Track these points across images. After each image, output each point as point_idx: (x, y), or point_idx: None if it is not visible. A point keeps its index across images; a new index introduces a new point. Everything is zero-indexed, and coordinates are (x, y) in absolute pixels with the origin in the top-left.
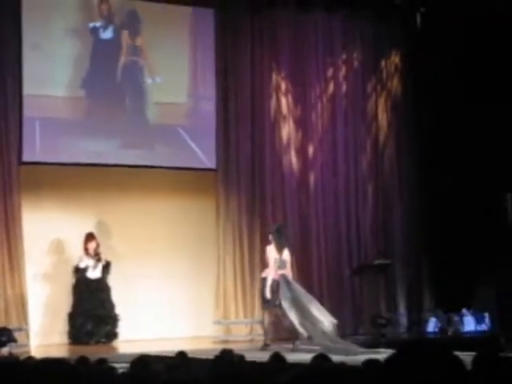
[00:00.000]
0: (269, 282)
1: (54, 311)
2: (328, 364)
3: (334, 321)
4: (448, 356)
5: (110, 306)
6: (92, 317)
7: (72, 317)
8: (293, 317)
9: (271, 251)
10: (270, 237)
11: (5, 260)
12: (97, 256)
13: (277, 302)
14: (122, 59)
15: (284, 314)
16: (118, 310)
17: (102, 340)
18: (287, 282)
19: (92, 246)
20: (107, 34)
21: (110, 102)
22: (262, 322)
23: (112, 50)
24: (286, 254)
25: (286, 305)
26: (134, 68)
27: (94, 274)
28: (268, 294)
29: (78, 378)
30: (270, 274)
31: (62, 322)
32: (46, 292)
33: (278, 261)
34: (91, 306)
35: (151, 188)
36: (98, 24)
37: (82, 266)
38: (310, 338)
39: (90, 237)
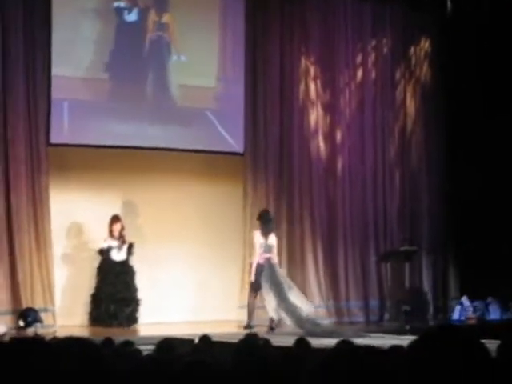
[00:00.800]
0: (254, 265)
1: (77, 292)
2: (353, 348)
3: (312, 308)
4: (473, 342)
5: (134, 289)
6: (116, 299)
7: (95, 299)
8: (269, 299)
9: (257, 236)
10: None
11: (32, 240)
12: (121, 238)
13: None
14: (148, 36)
15: (262, 296)
16: (141, 292)
17: (124, 323)
18: (271, 266)
19: (117, 227)
20: (132, 17)
21: (136, 84)
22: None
23: (136, 32)
24: (273, 239)
25: (265, 287)
26: (160, 44)
27: (118, 256)
28: (253, 277)
29: (101, 358)
30: (256, 258)
31: (85, 304)
32: (70, 273)
33: (263, 245)
34: (115, 289)
35: (178, 171)
36: (121, 4)
37: (105, 246)
38: (279, 322)
39: (115, 219)
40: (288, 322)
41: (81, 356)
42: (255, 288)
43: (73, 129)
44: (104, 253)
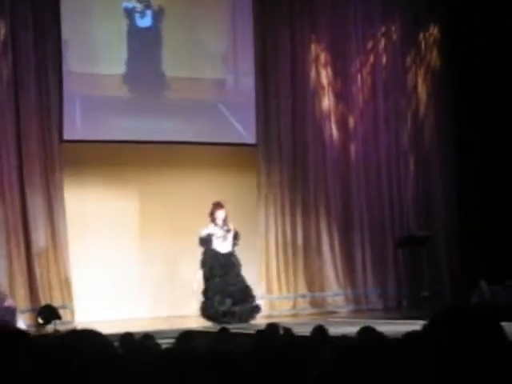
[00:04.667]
0: None
1: (94, 289)
2: (374, 335)
3: None
4: (490, 322)
5: (243, 282)
6: (229, 294)
7: (205, 294)
8: None
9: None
10: None
11: (48, 238)
12: (226, 226)
13: None
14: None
15: None
16: (157, 286)
17: (243, 319)
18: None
19: (221, 215)
20: (145, 22)
21: (148, 79)
22: None
23: (149, 34)
24: None
25: None
26: (172, 39)
27: (223, 246)
28: None
29: (114, 352)
30: None
31: (101, 299)
32: (87, 269)
33: None
34: (226, 283)
35: (192, 164)
36: (130, 5)
37: (203, 234)
38: None
39: (218, 205)
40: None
41: (95, 349)
42: None
43: (86, 125)
44: (205, 242)
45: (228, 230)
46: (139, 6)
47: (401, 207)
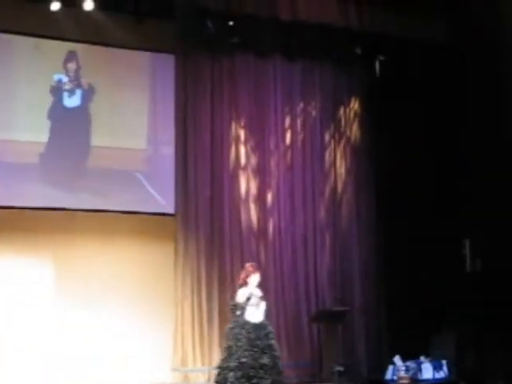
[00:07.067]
0: None
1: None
2: None
3: None
4: None
5: (274, 353)
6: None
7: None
8: None
9: None
10: None
11: None
12: (260, 293)
13: None
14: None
15: None
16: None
17: None
18: None
19: (256, 279)
20: (73, 102)
21: (64, 146)
22: None
23: (77, 115)
24: None
25: None
26: (89, 107)
27: (255, 315)
28: None
29: None
30: None
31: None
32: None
33: None
34: (253, 356)
35: (109, 233)
36: (61, 79)
37: (241, 299)
38: None
39: (253, 267)
40: None
41: None
42: None
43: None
44: (239, 309)
45: (262, 298)
46: (69, 84)
47: (316, 282)
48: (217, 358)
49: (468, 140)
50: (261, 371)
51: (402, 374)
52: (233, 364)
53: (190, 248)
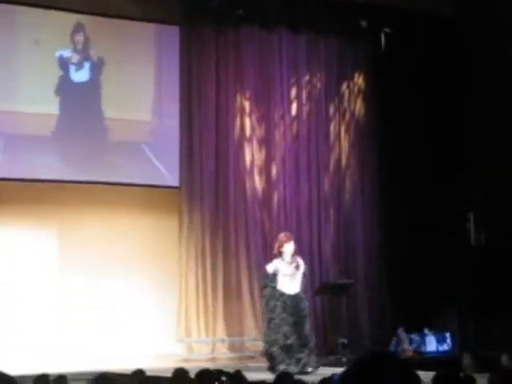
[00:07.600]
0: None
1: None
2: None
3: None
4: (405, 371)
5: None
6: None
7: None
8: None
9: None
10: None
11: None
12: (295, 263)
13: None
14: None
15: None
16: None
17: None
18: None
19: (290, 248)
20: (82, 77)
21: (71, 118)
22: None
23: (85, 90)
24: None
25: None
26: (96, 78)
27: (290, 287)
28: None
29: None
30: None
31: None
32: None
33: None
34: (289, 332)
35: (115, 204)
36: (65, 55)
37: (270, 270)
38: None
39: (287, 237)
40: None
41: None
42: None
43: (7, 163)
44: (272, 280)
45: (297, 267)
46: (76, 57)
47: (320, 255)
48: (221, 329)
49: (471, 114)
50: (300, 343)
51: (406, 346)
52: (275, 337)
53: (195, 219)
